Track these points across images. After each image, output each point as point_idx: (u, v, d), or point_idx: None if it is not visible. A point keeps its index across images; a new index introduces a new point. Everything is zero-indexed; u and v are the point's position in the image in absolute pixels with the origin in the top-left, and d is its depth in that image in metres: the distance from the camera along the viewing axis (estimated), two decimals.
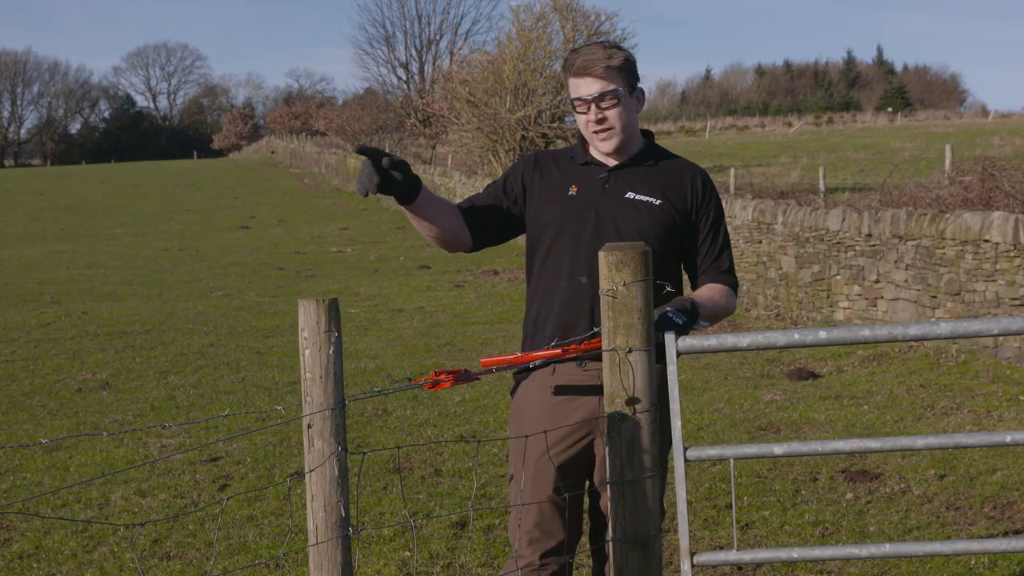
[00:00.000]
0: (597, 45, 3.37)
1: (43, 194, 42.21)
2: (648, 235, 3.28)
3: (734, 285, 3.45)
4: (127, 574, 5.06)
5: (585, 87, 3.31)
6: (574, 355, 3.20)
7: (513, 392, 3.50)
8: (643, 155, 3.43)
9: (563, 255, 3.35)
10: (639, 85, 3.41)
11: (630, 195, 3.36)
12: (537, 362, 3.27)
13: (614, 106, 3.32)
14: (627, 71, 3.34)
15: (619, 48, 3.37)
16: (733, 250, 3.61)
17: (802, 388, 8.70)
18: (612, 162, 3.41)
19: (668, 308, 3.11)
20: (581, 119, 3.37)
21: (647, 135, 3.51)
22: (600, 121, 3.32)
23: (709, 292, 3.37)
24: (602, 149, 3.38)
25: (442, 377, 2.98)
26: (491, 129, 27.63)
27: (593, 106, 3.32)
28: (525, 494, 3.32)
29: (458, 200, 3.68)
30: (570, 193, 3.38)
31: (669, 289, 3.24)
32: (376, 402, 8.26)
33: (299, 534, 5.36)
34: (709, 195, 3.44)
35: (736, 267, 3.53)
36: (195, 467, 6.73)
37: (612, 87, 3.30)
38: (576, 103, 3.35)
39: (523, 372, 3.45)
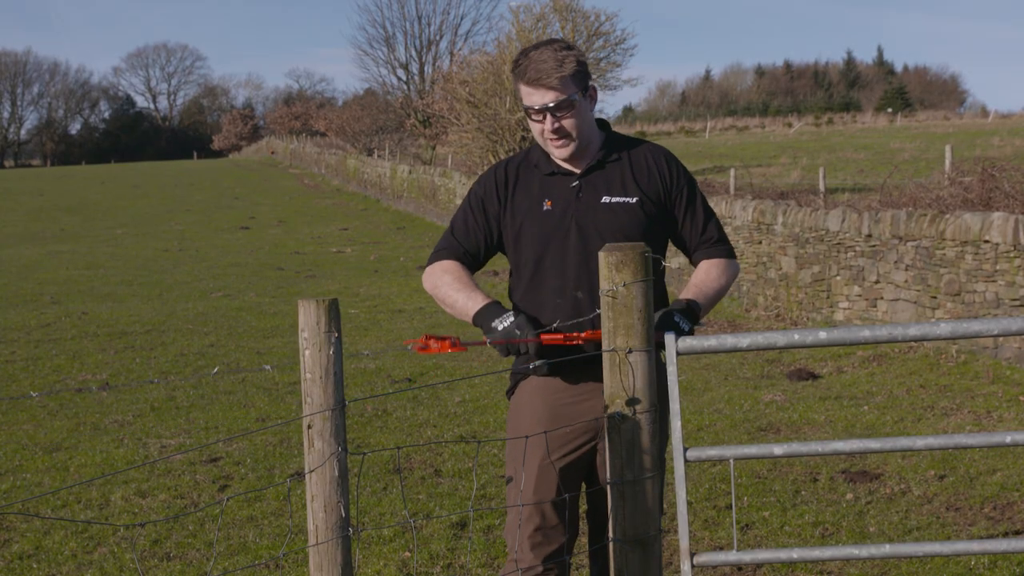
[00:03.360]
0: (548, 48, 3.27)
1: (43, 194, 42.21)
2: (633, 236, 3.25)
3: (729, 252, 3.43)
4: (127, 574, 5.06)
5: (539, 97, 3.24)
6: (576, 342, 3.15)
7: (510, 392, 3.46)
8: (606, 153, 3.38)
9: (552, 272, 3.30)
10: (590, 84, 3.35)
11: (605, 199, 3.31)
12: (538, 362, 3.25)
13: (570, 115, 3.26)
14: (580, 75, 3.27)
15: (569, 48, 3.28)
16: (734, 249, 3.56)
17: (802, 389, 8.70)
18: (578, 168, 3.36)
19: (674, 312, 3.11)
20: (536, 127, 3.31)
21: (603, 125, 3.44)
22: (556, 131, 3.27)
23: (706, 276, 3.35)
24: (558, 156, 3.33)
25: (432, 342, 2.99)
26: (491, 130, 27.62)
27: (548, 116, 3.26)
28: (527, 497, 3.29)
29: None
30: (545, 208, 3.32)
31: (665, 264, 3.23)
32: (376, 402, 8.26)
33: (299, 534, 5.36)
34: (677, 173, 3.40)
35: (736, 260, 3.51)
36: (195, 467, 6.73)
37: (565, 96, 3.24)
38: (530, 111, 3.29)
39: (521, 373, 3.41)
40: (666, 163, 3.40)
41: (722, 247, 3.43)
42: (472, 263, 3.40)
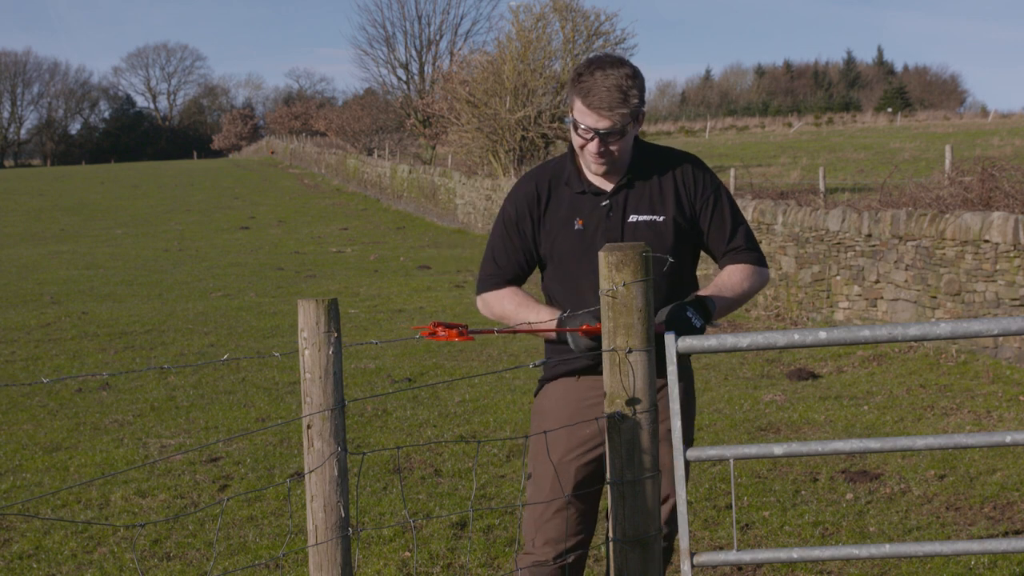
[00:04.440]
0: (616, 73, 3.23)
1: (43, 194, 42.22)
2: (662, 253, 3.26)
3: (757, 260, 3.41)
4: (127, 574, 5.06)
5: (593, 120, 3.24)
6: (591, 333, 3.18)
7: (537, 393, 3.52)
8: (635, 169, 3.38)
9: (583, 290, 3.33)
10: (643, 108, 3.33)
11: (633, 218, 3.34)
12: (538, 362, 3.28)
13: (617, 141, 3.28)
14: (638, 106, 3.27)
15: (634, 77, 3.24)
16: (764, 257, 3.56)
17: (802, 388, 8.70)
18: (608, 185, 3.37)
19: (687, 306, 3.11)
20: (578, 140, 3.32)
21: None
22: (601, 153, 3.29)
23: (728, 278, 3.36)
24: (594, 171, 3.36)
25: (440, 329, 3.00)
26: (491, 129, 27.62)
27: (597, 139, 3.27)
28: (544, 495, 3.34)
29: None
30: (576, 227, 3.35)
31: (671, 260, 3.25)
32: (376, 402, 8.25)
33: (299, 534, 5.36)
34: (703, 184, 3.40)
35: None
36: (195, 467, 6.73)
37: (620, 125, 3.24)
38: (578, 126, 3.28)
39: (548, 377, 3.46)
40: (692, 174, 3.40)
41: (750, 254, 3.41)
42: (520, 282, 3.48)
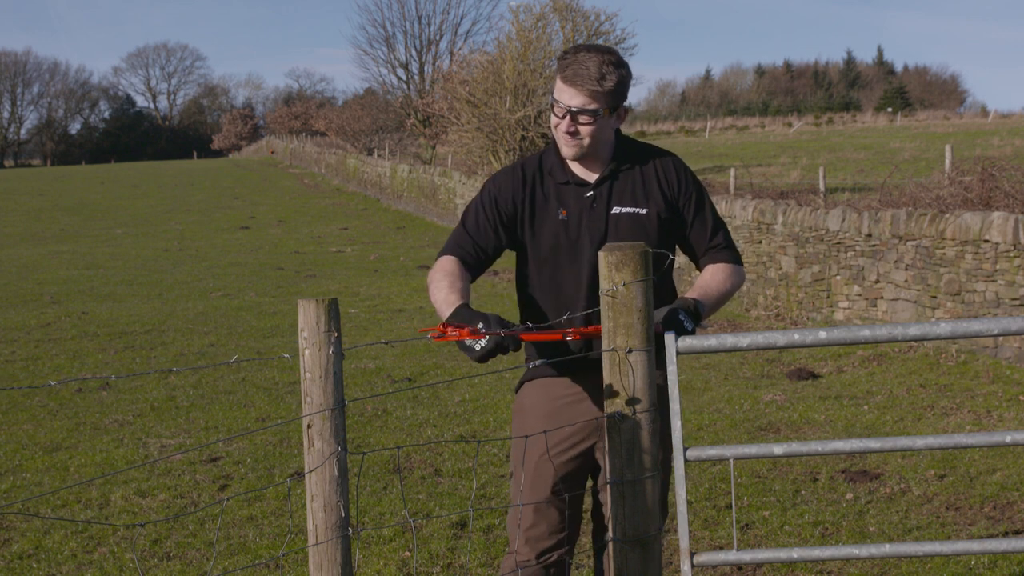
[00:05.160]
0: (598, 55, 3.26)
1: (43, 194, 42.21)
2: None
3: (735, 259, 3.45)
4: (127, 574, 5.06)
5: (567, 97, 3.27)
6: (574, 337, 3.16)
7: (517, 390, 3.51)
8: (618, 162, 3.39)
9: (566, 281, 3.34)
10: (625, 104, 3.35)
11: (616, 210, 3.35)
12: (538, 362, 3.28)
13: (590, 124, 3.28)
14: (616, 92, 3.29)
15: (619, 65, 3.28)
16: (741, 257, 3.57)
17: (802, 388, 8.70)
18: (592, 176, 3.38)
19: (679, 311, 3.11)
20: (554, 118, 3.36)
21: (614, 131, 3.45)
22: (570, 133, 3.30)
23: (711, 279, 3.37)
24: (564, 153, 3.37)
25: (450, 329, 2.97)
26: (491, 129, 27.62)
27: (568, 117, 3.29)
28: (525, 494, 3.34)
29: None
30: (561, 218, 3.36)
31: (672, 257, 3.26)
32: (376, 402, 8.25)
33: (299, 534, 5.36)
34: (685, 182, 3.42)
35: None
36: (195, 467, 6.73)
37: (593, 107, 3.26)
38: (555, 105, 3.32)
39: (528, 375, 3.45)
40: (675, 172, 3.42)
41: (729, 253, 3.44)
42: (477, 260, 3.38)
